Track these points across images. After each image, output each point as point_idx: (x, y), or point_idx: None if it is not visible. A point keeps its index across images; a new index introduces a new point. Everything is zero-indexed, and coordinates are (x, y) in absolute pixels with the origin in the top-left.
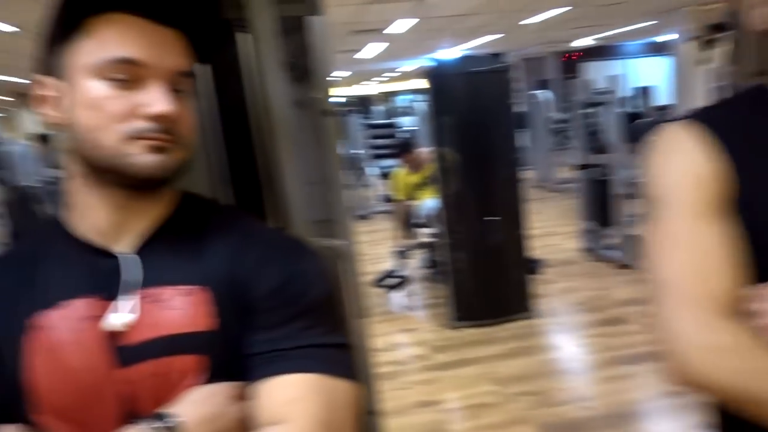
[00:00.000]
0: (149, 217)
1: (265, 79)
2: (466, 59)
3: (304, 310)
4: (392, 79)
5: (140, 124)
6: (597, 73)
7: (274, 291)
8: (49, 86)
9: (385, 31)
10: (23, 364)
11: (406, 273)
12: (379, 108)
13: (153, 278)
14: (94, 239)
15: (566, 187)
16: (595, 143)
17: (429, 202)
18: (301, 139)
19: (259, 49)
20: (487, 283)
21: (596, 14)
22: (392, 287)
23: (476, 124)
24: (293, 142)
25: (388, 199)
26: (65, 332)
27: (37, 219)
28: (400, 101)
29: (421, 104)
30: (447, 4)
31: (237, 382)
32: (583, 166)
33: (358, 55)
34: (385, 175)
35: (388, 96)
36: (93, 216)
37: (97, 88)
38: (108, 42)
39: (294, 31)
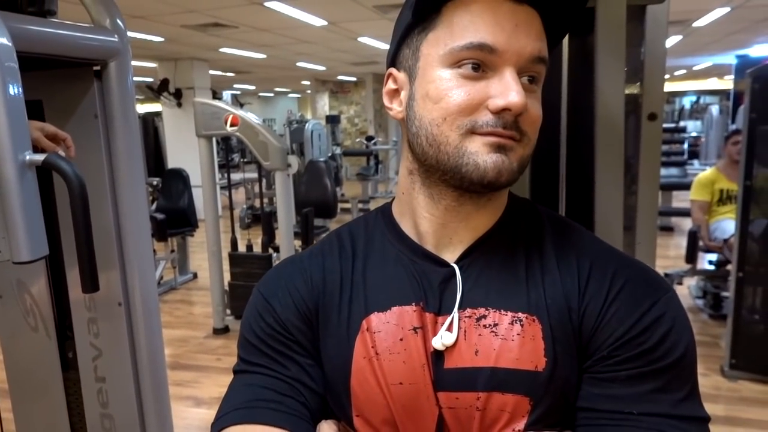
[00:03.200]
0: (477, 225)
1: (600, 74)
2: None
3: (662, 368)
4: (672, 78)
5: (483, 117)
6: None
7: (627, 338)
8: (400, 80)
9: (695, 24)
10: (351, 364)
11: None
12: None
13: (477, 297)
14: (421, 242)
15: None
16: None
17: (724, 223)
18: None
19: (601, 41)
20: None
21: None
22: None
23: None
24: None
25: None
26: (390, 340)
27: (324, 190)
28: (683, 103)
29: (714, 107)
30: None
31: None
32: None
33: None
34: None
35: (667, 97)
36: (419, 216)
37: (445, 78)
38: (460, 28)
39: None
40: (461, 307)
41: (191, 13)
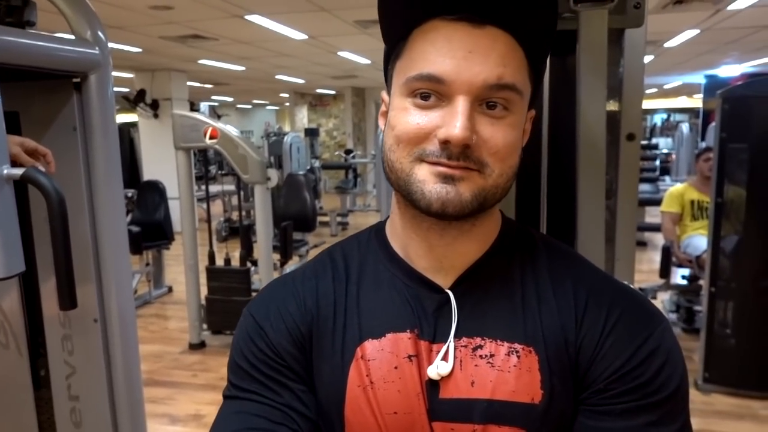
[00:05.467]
0: (466, 250)
1: (582, 95)
2: None
3: (657, 402)
4: (643, 96)
5: (431, 147)
6: None
7: (624, 371)
8: (387, 104)
9: (666, 45)
10: (345, 393)
11: None
12: None
13: (472, 325)
14: (414, 266)
15: None
16: None
17: (696, 239)
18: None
19: (583, 63)
20: (758, 346)
21: None
22: None
23: None
24: (598, 166)
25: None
26: (384, 368)
27: (303, 203)
28: (654, 120)
29: (684, 125)
30: (751, 14)
31: None
32: None
33: None
34: None
35: None
36: (408, 237)
37: (402, 107)
38: (416, 57)
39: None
40: (457, 336)
41: (171, 24)
